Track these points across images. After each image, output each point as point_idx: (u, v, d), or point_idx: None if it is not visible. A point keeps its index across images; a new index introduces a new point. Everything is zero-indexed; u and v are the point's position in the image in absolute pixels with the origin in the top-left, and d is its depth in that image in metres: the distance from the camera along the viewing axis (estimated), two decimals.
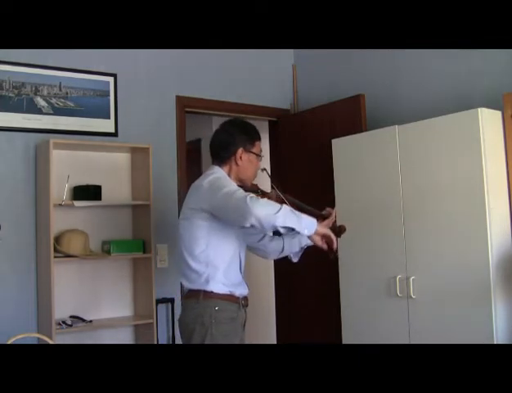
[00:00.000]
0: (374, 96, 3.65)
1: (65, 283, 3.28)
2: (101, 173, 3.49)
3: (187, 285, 2.42)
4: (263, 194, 2.48)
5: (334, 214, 2.51)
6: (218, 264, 2.36)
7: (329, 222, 2.52)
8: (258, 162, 2.52)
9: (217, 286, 2.34)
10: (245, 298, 2.46)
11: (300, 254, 2.65)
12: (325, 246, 2.28)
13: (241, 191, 2.24)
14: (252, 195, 2.19)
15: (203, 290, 2.34)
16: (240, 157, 2.46)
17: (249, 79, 4.18)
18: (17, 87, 3.32)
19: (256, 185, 2.57)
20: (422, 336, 2.89)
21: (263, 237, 2.63)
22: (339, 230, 2.55)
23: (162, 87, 3.82)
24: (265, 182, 2.65)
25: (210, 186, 2.34)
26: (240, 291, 2.43)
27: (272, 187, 2.51)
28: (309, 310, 3.91)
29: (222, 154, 2.48)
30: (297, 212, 2.19)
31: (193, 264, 2.37)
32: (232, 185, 2.33)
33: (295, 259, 2.67)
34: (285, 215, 2.13)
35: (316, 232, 2.22)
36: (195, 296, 2.36)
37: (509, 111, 2.80)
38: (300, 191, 2.72)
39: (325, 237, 2.26)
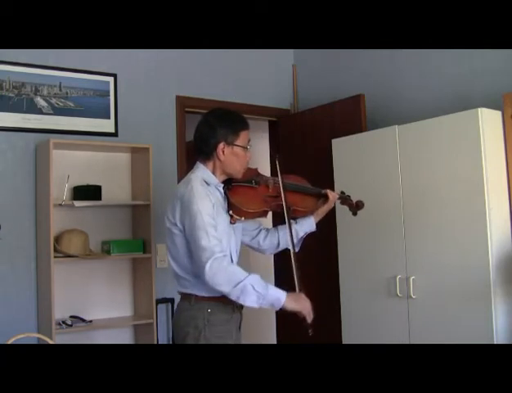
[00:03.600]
0: (374, 96, 3.65)
1: (65, 283, 3.28)
2: (100, 173, 3.50)
3: (178, 288, 2.33)
4: (260, 181, 2.42)
5: (331, 201, 2.52)
6: None
7: (327, 208, 2.54)
8: (246, 153, 2.32)
9: (209, 291, 2.20)
10: None
11: (300, 244, 2.55)
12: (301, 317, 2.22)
13: (210, 241, 2.10)
14: (216, 256, 2.07)
15: (194, 294, 2.25)
16: (223, 152, 2.27)
17: (248, 79, 4.19)
18: (17, 87, 3.32)
19: (256, 169, 2.48)
20: (422, 336, 2.89)
21: (257, 235, 2.53)
22: (356, 206, 2.59)
23: (162, 87, 3.82)
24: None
25: (183, 206, 2.20)
26: None
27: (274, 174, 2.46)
28: None
29: (204, 149, 2.30)
30: (268, 285, 2.15)
31: (180, 273, 2.27)
32: (204, 218, 2.13)
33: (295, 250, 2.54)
34: (242, 292, 2.07)
35: (284, 308, 2.16)
36: (188, 299, 2.27)
37: (509, 111, 2.80)
38: None
39: (296, 313, 2.19)
